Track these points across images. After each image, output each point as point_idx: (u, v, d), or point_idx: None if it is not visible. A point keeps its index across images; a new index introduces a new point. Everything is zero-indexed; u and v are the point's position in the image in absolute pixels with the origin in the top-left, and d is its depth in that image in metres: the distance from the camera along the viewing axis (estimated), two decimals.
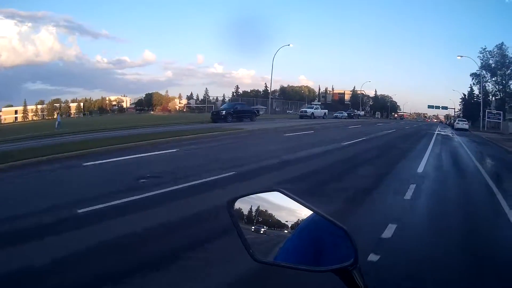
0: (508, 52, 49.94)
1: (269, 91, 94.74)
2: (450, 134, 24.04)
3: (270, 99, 30.79)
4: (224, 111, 22.08)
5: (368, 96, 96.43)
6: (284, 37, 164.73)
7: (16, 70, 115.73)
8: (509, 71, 50.99)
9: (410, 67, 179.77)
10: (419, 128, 29.98)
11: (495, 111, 42.94)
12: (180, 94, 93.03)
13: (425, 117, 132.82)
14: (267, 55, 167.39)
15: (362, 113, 75.68)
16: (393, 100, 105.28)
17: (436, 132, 23.97)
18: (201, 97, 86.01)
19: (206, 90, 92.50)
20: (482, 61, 50.59)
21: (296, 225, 0.73)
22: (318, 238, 0.73)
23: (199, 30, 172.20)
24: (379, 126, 27.25)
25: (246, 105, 25.44)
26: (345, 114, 44.94)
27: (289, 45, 28.38)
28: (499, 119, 40.26)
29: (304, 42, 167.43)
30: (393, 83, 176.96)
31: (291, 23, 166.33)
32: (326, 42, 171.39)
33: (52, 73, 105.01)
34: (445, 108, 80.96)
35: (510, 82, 51.65)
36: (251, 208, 0.79)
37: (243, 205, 0.79)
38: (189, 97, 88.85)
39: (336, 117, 40.34)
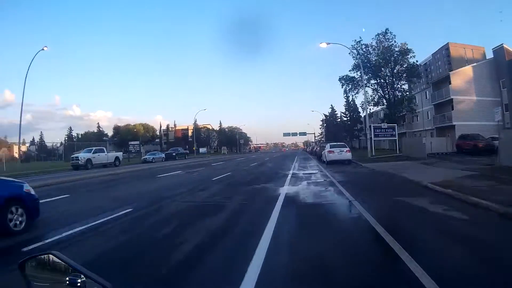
0: (395, 41, 33.14)
1: (104, 132, 79.77)
2: (324, 184, 10.43)
3: (19, 144, 22.27)
4: None
5: (213, 129, 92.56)
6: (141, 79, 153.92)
7: None
8: (398, 67, 33.58)
9: (259, 96, 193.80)
10: (258, 171, 16.84)
11: (385, 125, 29.03)
12: (24, 139, 75.97)
13: (283, 146, 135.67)
14: (124, 95, 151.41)
15: (204, 149, 72.00)
16: (243, 131, 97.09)
17: (285, 187, 9.87)
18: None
19: (41, 134, 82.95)
20: (357, 58, 32.53)
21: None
22: None
23: (55, 66, 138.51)
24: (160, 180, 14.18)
25: None
26: (162, 155, 37.80)
27: (43, 49, 25.54)
28: (393, 135, 27.96)
29: (154, 79, 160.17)
30: (243, 113, 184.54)
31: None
32: (169, 77, 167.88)
33: None
34: (303, 134, 74.16)
35: (401, 83, 34.70)
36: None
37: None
38: (32, 143, 75.81)
39: (145, 161, 33.39)
